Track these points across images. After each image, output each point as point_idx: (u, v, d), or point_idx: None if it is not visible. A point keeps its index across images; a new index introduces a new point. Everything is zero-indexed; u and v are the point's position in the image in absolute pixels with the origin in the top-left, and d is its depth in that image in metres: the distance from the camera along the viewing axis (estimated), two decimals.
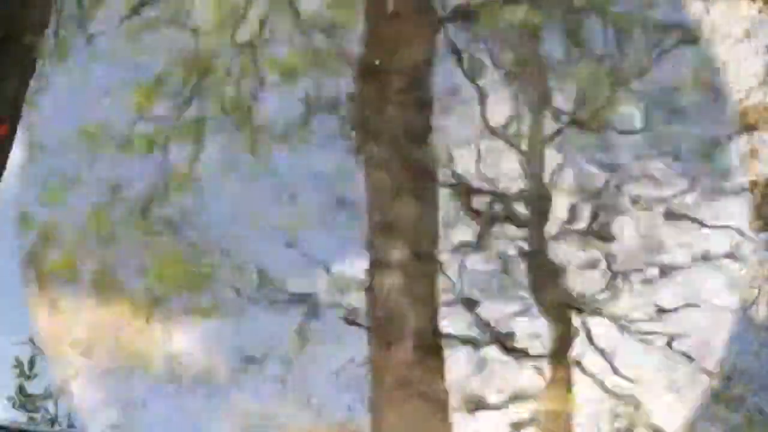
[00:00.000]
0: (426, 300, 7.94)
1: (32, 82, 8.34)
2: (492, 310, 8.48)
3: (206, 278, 8.37)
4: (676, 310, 8.70)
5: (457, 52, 8.54)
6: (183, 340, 8.31)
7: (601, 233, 8.77)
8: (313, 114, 8.41)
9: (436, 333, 8.00)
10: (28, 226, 8.48)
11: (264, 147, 8.40)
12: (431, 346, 7.93)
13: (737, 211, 8.66)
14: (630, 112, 8.78)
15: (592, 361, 8.57)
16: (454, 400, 7.99)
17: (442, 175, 8.38)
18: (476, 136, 8.62)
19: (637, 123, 8.77)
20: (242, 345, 8.33)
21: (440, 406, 7.85)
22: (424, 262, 7.96)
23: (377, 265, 8.00)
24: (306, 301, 8.35)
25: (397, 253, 7.91)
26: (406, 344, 7.84)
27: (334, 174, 8.32)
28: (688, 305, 8.68)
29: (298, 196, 8.37)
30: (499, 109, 8.72)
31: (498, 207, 8.56)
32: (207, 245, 8.42)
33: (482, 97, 8.63)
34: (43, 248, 8.47)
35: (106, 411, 8.15)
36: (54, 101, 8.57)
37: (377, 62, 8.11)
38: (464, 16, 8.58)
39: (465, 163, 8.54)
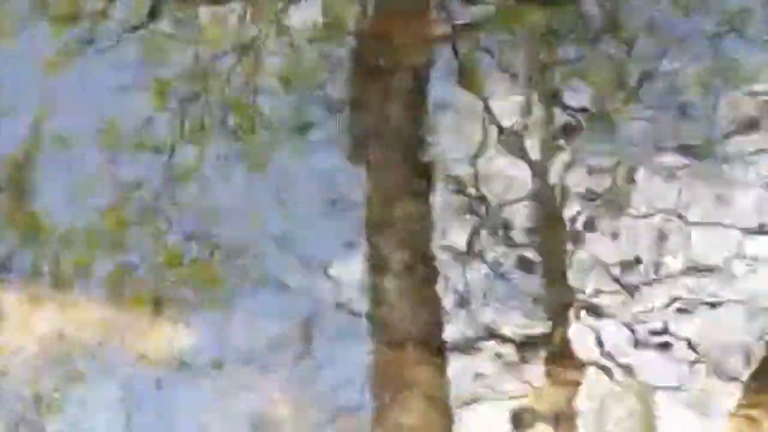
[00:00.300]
0: (427, 301, 7.92)
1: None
2: (492, 312, 8.49)
3: (210, 277, 8.43)
4: (685, 313, 8.67)
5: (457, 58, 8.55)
6: (188, 339, 8.38)
7: (607, 233, 8.74)
8: (314, 116, 8.44)
9: (438, 333, 7.97)
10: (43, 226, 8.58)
11: (265, 149, 8.43)
12: (433, 346, 7.90)
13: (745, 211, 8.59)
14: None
15: (597, 362, 8.56)
16: (454, 400, 7.98)
17: (443, 179, 8.39)
18: (478, 142, 8.65)
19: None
20: (245, 344, 8.38)
21: (441, 405, 7.83)
22: (424, 263, 7.93)
23: (377, 266, 7.98)
24: (307, 301, 8.40)
25: (397, 253, 7.89)
26: (408, 344, 7.82)
27: (334, 175, 8.35)
28: (698, 309, 8.64)
29: (298, 197, 8.40)
30: (505, 113, 8.71)
31: (499, 208, 8.58)
32: (210, 245, 8.46)
33: (486, 103, 8.64)
34: (59, 247, 8.55)
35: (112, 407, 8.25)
36: (68, 102, 8.64)
37: (379, 61, 8.09)
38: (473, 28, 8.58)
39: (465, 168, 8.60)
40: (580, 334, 8.58)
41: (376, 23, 8.21)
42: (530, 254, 8.60)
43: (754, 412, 8.14)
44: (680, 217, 8.70)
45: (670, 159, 8.70)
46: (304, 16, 8.46)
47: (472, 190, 8.58)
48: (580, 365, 8.46)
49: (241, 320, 8.38)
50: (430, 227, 8.03)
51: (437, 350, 7.88)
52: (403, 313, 7.77)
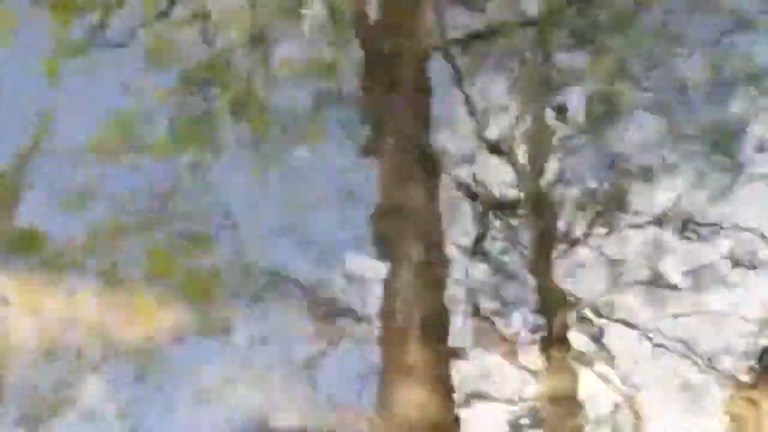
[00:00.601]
0: (433, 287, 7.93)
1: None
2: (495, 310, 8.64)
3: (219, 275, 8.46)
4: (683, 314, 8.82)
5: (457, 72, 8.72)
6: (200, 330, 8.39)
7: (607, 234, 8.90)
8: (324, 107, 8.51)
9: (444, 319, 7.99)
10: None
11: (275, 141, 8.48)
12: (439, 331, 7.91)
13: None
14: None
15: (596, 362, 8.70)
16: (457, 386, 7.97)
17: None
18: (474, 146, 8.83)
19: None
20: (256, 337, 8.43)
21: (445, 391, 7.81)
22: (432, 250, 7.96)
23: (385, 255, 7.95)
24: (319, 295, 8.48)
25: (406, 240, 7.91)
26: (415, 329, 7.81)
27: (346, 167, 8.45)
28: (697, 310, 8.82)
29: (309, 190, 8.48)
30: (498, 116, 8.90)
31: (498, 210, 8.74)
32: (219, 242, 8.50)
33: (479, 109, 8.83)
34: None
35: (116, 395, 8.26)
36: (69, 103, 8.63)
37: (384, 47, 8.10)
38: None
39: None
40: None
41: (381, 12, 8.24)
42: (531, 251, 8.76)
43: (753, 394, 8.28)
44: None
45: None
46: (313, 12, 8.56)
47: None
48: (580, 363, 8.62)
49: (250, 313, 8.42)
50: (438, 216, 8.07)
51: (441, 338, 7.89)
52: (408, 301, 7.77)
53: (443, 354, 7.80)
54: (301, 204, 8.41)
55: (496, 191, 8.85)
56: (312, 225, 8.48)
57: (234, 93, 8.42)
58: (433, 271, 7.90)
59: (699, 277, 8.88)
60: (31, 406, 8.19)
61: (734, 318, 8.71)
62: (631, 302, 8.86)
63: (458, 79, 8.79)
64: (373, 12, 8.09)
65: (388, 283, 7.85)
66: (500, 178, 8.87)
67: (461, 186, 8.81)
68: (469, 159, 8.92)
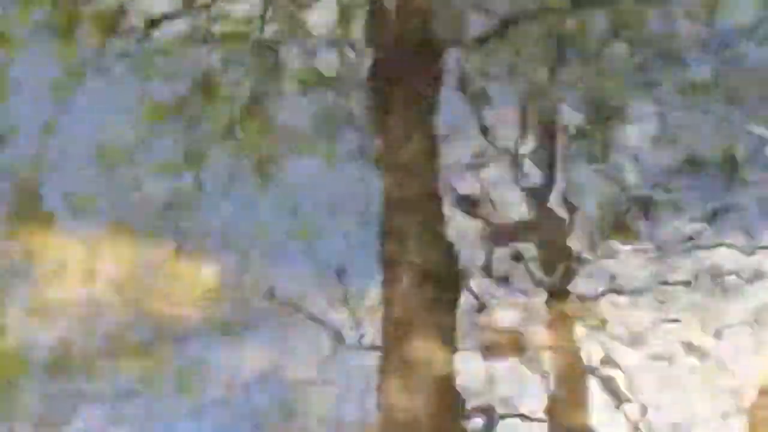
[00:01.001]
0: (438, 238, 7.86)
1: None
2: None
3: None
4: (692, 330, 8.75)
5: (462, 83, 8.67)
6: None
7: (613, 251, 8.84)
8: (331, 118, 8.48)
9: (449, 269, 7.93)
10: None
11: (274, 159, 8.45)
12: (444, 283, 7.85)
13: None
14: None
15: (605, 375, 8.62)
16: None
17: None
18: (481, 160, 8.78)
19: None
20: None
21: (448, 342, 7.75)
22: (436, 202, 7.91)
23: (391, 205, 7.94)
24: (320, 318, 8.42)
25: (409, 190, 7.88)
26: (419, 281, 7.74)
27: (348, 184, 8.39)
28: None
29: (307, 205, 8.43)
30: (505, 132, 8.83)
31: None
32: (217, 259, 8.44)
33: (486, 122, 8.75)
34: None
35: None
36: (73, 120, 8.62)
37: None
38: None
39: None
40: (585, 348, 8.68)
41: None
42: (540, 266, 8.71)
43: None
44: None
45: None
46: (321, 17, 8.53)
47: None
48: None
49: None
50: (440, 168, 8.00)
51: (449, 287, 7.81)
52: (414, 248, 7.70)
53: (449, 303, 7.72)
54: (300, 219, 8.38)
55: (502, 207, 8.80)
56: (317, 239, 8.40)
57: (237, 108, 8.43)
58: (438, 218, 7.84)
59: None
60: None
61: None
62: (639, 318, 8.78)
63: (467, 83, 8.80)
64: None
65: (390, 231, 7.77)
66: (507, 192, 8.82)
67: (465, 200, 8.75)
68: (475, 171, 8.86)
